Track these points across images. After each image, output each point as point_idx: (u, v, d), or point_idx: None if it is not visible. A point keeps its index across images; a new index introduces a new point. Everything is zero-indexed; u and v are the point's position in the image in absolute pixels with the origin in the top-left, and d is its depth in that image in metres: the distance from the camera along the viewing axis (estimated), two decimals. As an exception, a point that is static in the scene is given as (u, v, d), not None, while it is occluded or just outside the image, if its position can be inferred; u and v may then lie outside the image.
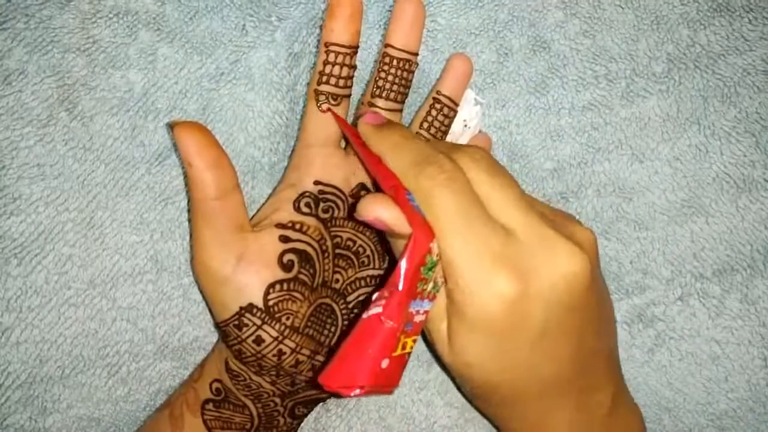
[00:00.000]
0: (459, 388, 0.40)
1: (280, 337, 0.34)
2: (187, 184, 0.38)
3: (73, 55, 0.37)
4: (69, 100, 0.37)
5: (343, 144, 0.38)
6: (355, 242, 0.37)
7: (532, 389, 0.30)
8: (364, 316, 0.27)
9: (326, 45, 0.34)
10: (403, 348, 0.27)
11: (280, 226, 0.35)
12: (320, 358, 0.35)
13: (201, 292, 0.37)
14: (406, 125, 0.39)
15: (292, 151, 0.38)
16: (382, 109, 0.36)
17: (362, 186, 0.37)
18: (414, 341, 0.28)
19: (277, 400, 0.36)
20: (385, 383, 0.27)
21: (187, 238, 0.38)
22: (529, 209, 0.29)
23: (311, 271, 0.35)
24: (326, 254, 0.36)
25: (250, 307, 0.33)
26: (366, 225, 0.34)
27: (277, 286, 0.34)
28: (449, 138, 0.39)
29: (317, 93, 0.35)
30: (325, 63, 0.35)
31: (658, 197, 0.41)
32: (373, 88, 0.36)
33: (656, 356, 0.41)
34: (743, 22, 0.41)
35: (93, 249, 0.37)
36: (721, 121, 0.40)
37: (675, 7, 0.41)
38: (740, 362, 0.40)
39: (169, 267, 0.38)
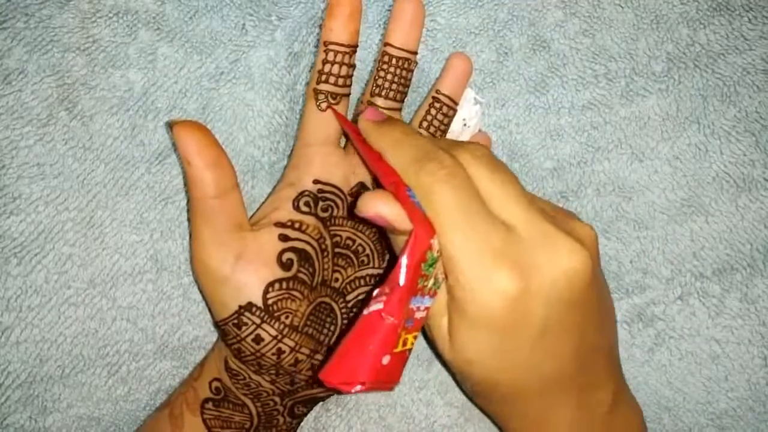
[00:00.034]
0: (459, 386, 0.40)
1: (280, 336, 0.34)
2: (186, 183, 0.38)
3: (72, 54, 0.37)
4: (69, 99, 0.37)
5: (342, 143, 0.38)
6: (354, 241, 0.37)
7: (533, 386, 0.30)
8: (365, 312, 0.27)
9: (325, 44, 0.34)
10: (404, 344, 0.27)
11: (280, 224, 0.35)
12: (319, 357, 0.35)
13: (200, 291, 0.37)
14: (406, 124, 0.39)
15: (292, 150, 0.38)
16: (382, 108, 0.36)
17: (362, 185, 0.37)
18: (415, 338, 0.28)
19: (277, 399, 0.36)
20: (386, 379, 0.27)
21: (187, 237, 0.38)
22: (529, 205, 0.29)
23: (310, 269, 0.35)
24: (325, 253, 0.36)
25: (249, 306, 0.33)
26: (366, 222, 0.34)
27: (276, 285, 0.33)
28: (449, 137, 0.39)
29: (316, 92, 0.35)
30: (325, 62, 0.35)
31: (658, 196, 0.41)
32: (373, 87, 0.36)
33: (656, 355, 0.41)
34: (743, 22, 0.41)
35: (93, 248, 0.37)
36: (721, 121, 0.41)
37: (675, 6, 0.41)
38: (740, 361, 0.40)
39: (168, 266, 0.38)
